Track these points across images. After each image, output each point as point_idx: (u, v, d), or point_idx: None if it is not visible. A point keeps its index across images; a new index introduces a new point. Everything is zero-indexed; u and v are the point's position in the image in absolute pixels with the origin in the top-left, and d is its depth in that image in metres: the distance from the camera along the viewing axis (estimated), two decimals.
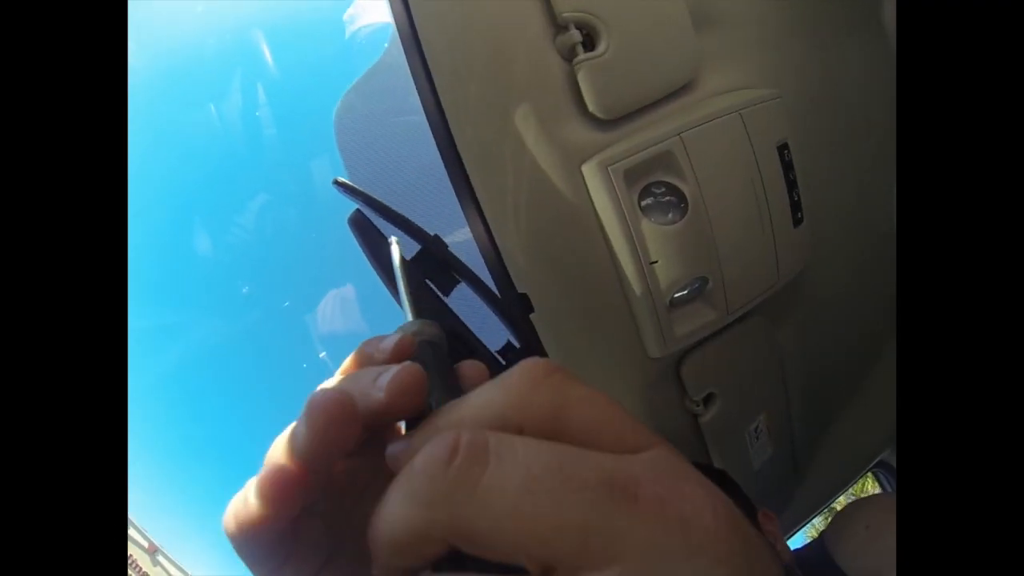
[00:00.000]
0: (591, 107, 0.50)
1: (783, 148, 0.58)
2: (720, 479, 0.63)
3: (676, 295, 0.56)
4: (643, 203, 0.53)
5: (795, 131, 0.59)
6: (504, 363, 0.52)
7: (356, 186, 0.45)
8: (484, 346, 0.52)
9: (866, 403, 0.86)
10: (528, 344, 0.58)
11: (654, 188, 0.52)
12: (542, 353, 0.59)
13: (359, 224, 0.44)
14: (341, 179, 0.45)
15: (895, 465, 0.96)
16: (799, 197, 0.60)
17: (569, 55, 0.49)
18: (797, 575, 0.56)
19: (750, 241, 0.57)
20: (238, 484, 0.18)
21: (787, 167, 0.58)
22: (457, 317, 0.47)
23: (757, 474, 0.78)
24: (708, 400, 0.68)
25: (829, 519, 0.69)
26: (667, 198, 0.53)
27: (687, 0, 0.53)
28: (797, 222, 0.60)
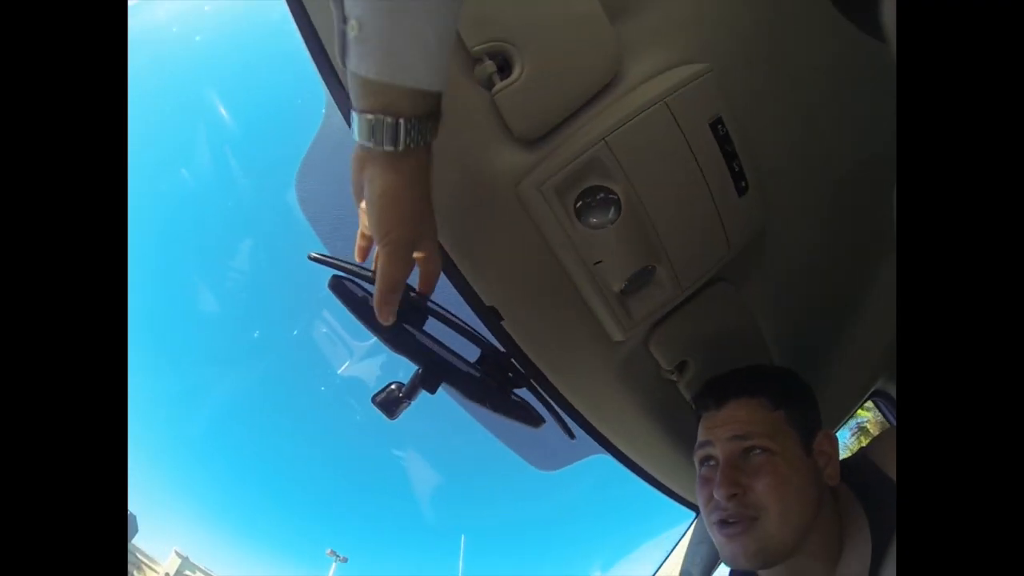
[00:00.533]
0: (515, 132, 0.53)
1: (716, 124, 0.59)
2: (786, 377, 0.69)
3: (626, 284, 0.60)
4: (581, 205, 0.56)
5: (733, 97, 0.60)
6: (479, 373, 0.57)
7: (328, 257, 0.50)
8: (463, 360, 0.57)
9: (854, 340, 0.88)
10: (507, 346, 0.63)
11: (589, 192, 0.56)
12: (520, 353, 0.65)
13: (337, 288, 0.50)
14: (314, 254, 0.51)
15: (894, 395, 0.98)
16: (740, 167, 0.61)
17: (488, 84, 0.52)
18: (847, 492, 0.63)
19: (693, 221, 0.60)
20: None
21: (723, 140, 0.59)
22: (431, 348, 0.53)
23: None
24: (682, 367, 0.73)
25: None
26: (604, 197, 0.56)
27: None
28: (742, 191, 0.62)
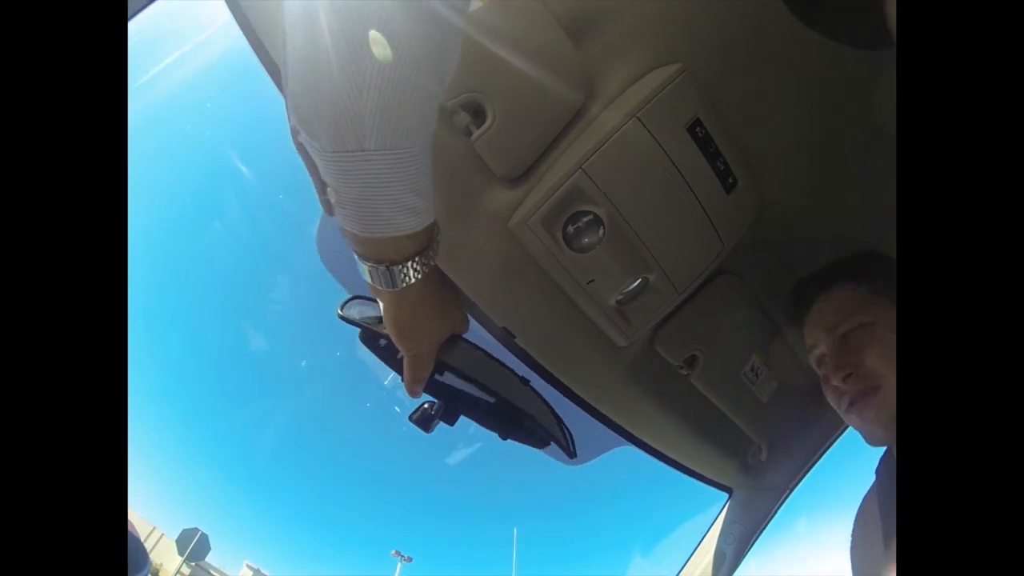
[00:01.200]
0: (498, 173, 0.56)
1: (695, 126, 0.59)
2: (856, 256, 0.71)
3: (621, 297, 0.63)
4: (571, 231, 0.59)
5: (710, 91, 0.59)
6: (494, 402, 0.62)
7: (354, 319, 0.56)
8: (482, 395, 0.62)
9: None
10: (525, 361, 0.69)
11: (576, 218, 0.58)
12: (534, 363, 0.69)
13: (367, 341, 0.56)
14: (342, 312, 0.56)
15: None
16: (726, 164, 0.61)
17: (467, 133, 0.54)
18: None
19: (680, 227, 0.61)
20: None
21: (703, 142, 0.60)
22: (453, 390, 0.60)
23: (770, 405, 0.84)
24: (692, 361, 0.75)
25: None
26: (591, 220, 0.58)
27: (561, 18, 0.53)
28: (730, 188, 0.62)
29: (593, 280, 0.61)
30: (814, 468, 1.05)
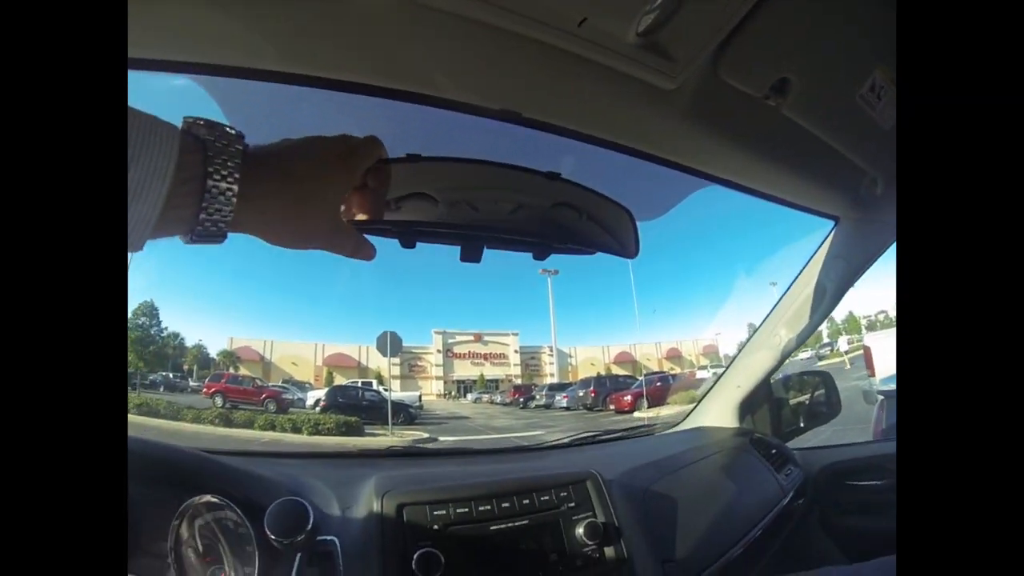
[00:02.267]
0: None
1: None
2: None
3: (641, 27, 0.45)
4: None
5: None
6: None
7: None
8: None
9: None
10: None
11: None
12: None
13: None
14: None
15: None
16: None
17: None
18: None
19: None
20: None
21: None
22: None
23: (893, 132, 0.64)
24: (781, 87, 0.57)
25: None
26: None
27: None
28: None
29: (585, 19, 0.45)
30: None
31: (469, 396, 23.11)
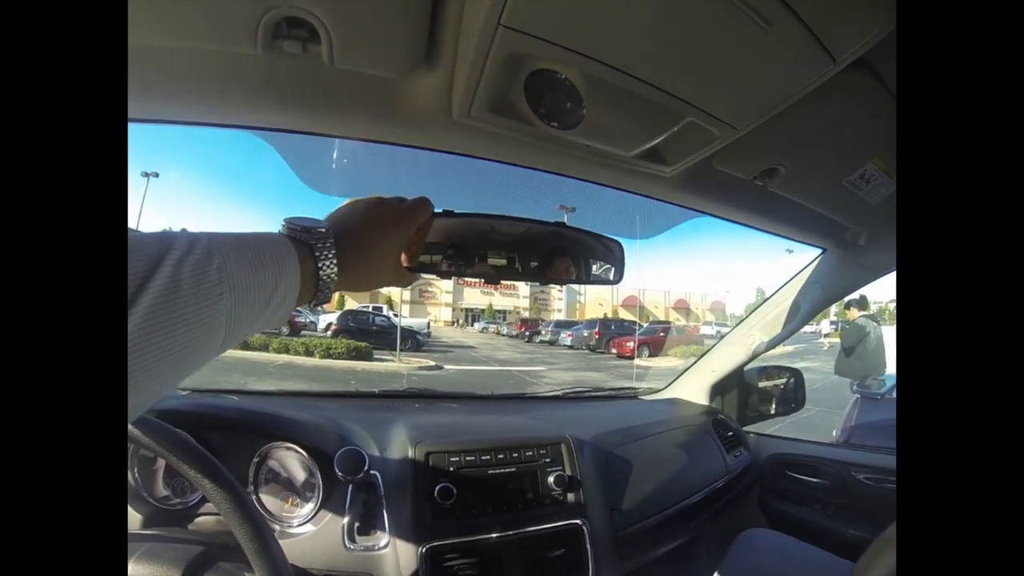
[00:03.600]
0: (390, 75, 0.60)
1: None
2: None
3: (637, 151, 0.59)
4: (549, 99, 0.56)
5: None
6: None
7: None
8: None
9: None
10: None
11: (538, 80, 0.55)
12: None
13: None
14: None
15: None
16: None
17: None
18: None
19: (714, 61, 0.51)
20: None
21: None
22: None
23: (881, 206, 0.81)
24: (771, 173, 0.67)
25: None
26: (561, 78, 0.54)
27: None
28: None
29: (588, 144, 0.56)
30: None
31: (476, 325, 23.84)
